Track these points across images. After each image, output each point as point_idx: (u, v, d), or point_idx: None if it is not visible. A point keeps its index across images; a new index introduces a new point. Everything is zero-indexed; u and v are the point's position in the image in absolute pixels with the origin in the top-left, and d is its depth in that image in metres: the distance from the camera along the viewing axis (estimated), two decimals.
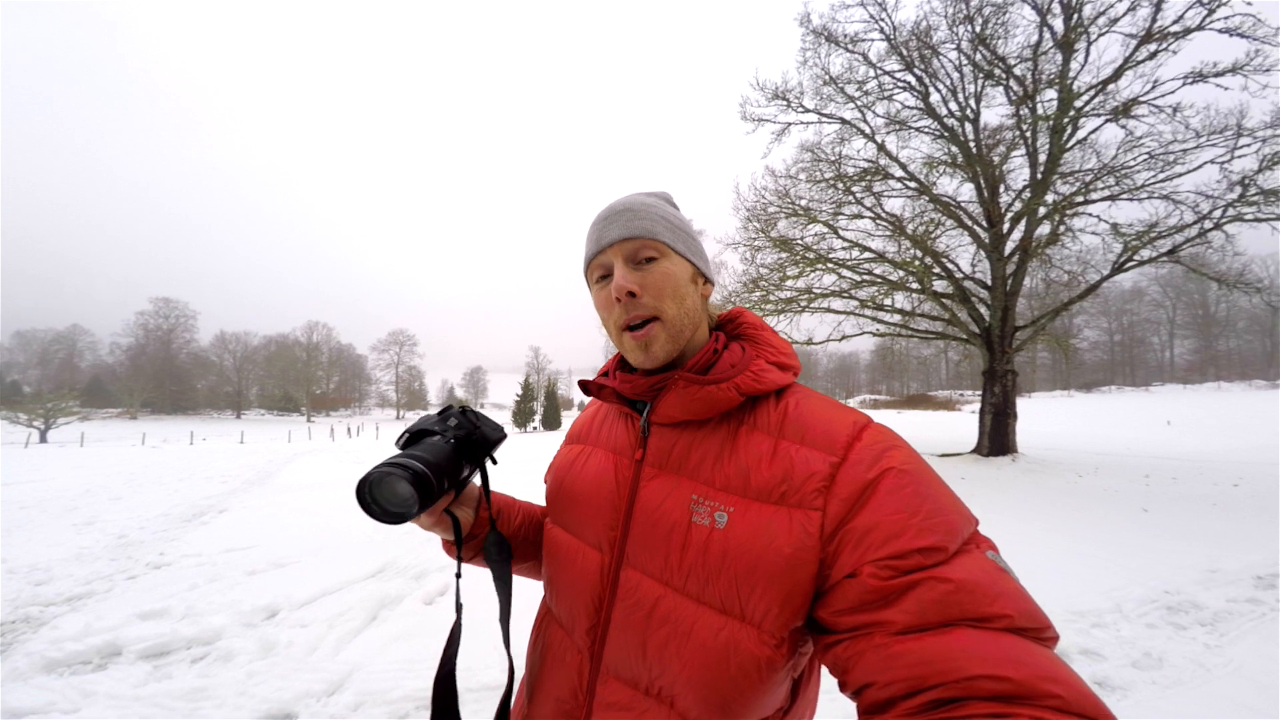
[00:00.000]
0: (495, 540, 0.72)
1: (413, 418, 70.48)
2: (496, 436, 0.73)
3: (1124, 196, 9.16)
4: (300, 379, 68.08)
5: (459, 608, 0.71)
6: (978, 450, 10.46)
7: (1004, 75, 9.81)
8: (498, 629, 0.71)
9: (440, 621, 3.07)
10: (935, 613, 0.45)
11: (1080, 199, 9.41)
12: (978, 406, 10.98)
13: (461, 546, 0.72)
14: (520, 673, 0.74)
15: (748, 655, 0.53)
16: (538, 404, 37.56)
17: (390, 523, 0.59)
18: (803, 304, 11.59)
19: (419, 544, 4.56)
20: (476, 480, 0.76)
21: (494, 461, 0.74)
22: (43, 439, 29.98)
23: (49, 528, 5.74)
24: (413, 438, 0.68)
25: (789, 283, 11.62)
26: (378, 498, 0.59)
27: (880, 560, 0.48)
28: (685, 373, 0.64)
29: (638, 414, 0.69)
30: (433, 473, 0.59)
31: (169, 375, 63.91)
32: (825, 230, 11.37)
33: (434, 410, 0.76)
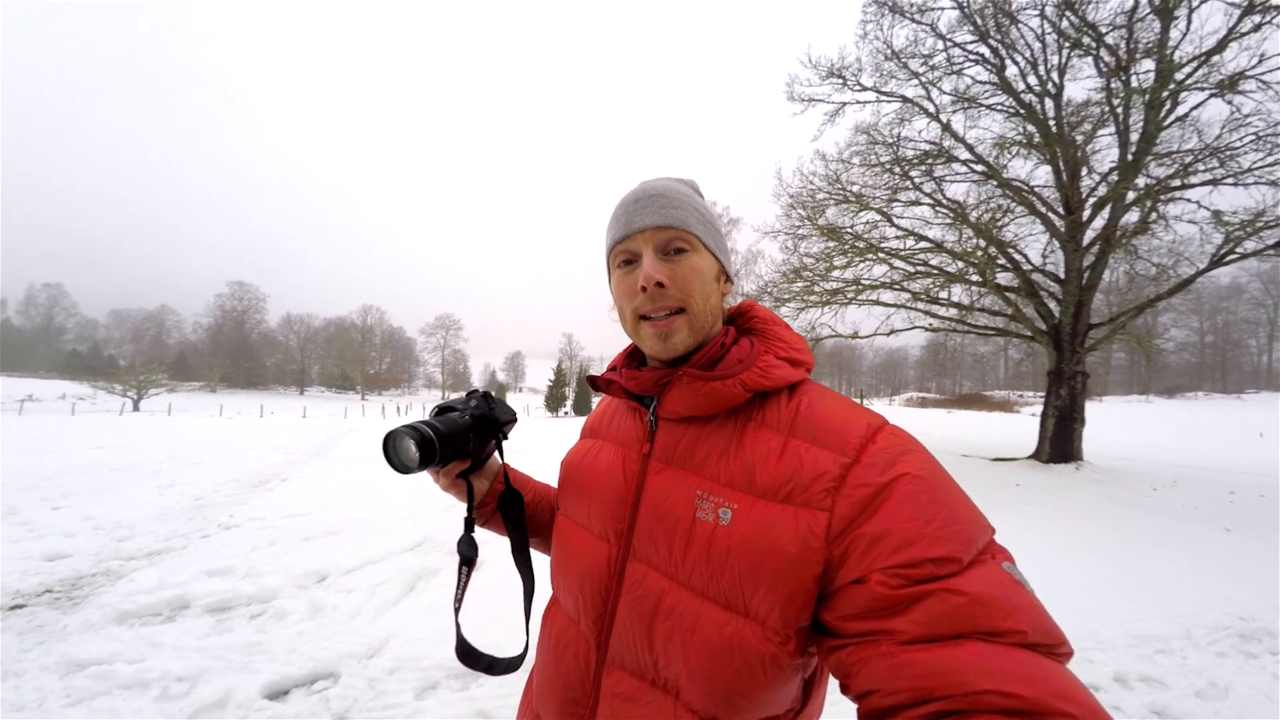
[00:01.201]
0: (506, 495, 0.81)
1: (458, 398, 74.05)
2: (506, 418, 0.82)
3: (1228, 181, 8.14)
4: (355, 359, 72.22)
5: (471, 548, 0.78)
6: (1037, 456, 9.78)
7: (1094, 44, 8.84)
8: (515, 613, 0.78)
9: (471, 597, 3.18)
10: (946, 625, 0.44)
11: (1178, 183, 8.44)
12: (1039, 409, 10.23)
13: (473, 509, 0.80)
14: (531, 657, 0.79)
15: (752, 651, 0.53)
16: (569, 389, 38.41)
17: (400, 471, 0.70)
18: (850, 296, 11.10)
19: (455, 521, 4.75)
20: (498, 458, 0.87)
21: (505, 437, 0.84)
22: (136, 408, 33.38)
23: (137, 488, 6.37)
24: (439, 411, 0.80)
25: (835, 273, 11.14)
26: (395, 449, 0.71)
27: (891, 568, 0.47)
28: (690, 369, 0.63)
29: (645, 408, 0.69)
30: (438, 439, 0.70)
31: (242, 353, 69.48)
32: (878, 218, 10.78)
33: (465, 393, 0.90)
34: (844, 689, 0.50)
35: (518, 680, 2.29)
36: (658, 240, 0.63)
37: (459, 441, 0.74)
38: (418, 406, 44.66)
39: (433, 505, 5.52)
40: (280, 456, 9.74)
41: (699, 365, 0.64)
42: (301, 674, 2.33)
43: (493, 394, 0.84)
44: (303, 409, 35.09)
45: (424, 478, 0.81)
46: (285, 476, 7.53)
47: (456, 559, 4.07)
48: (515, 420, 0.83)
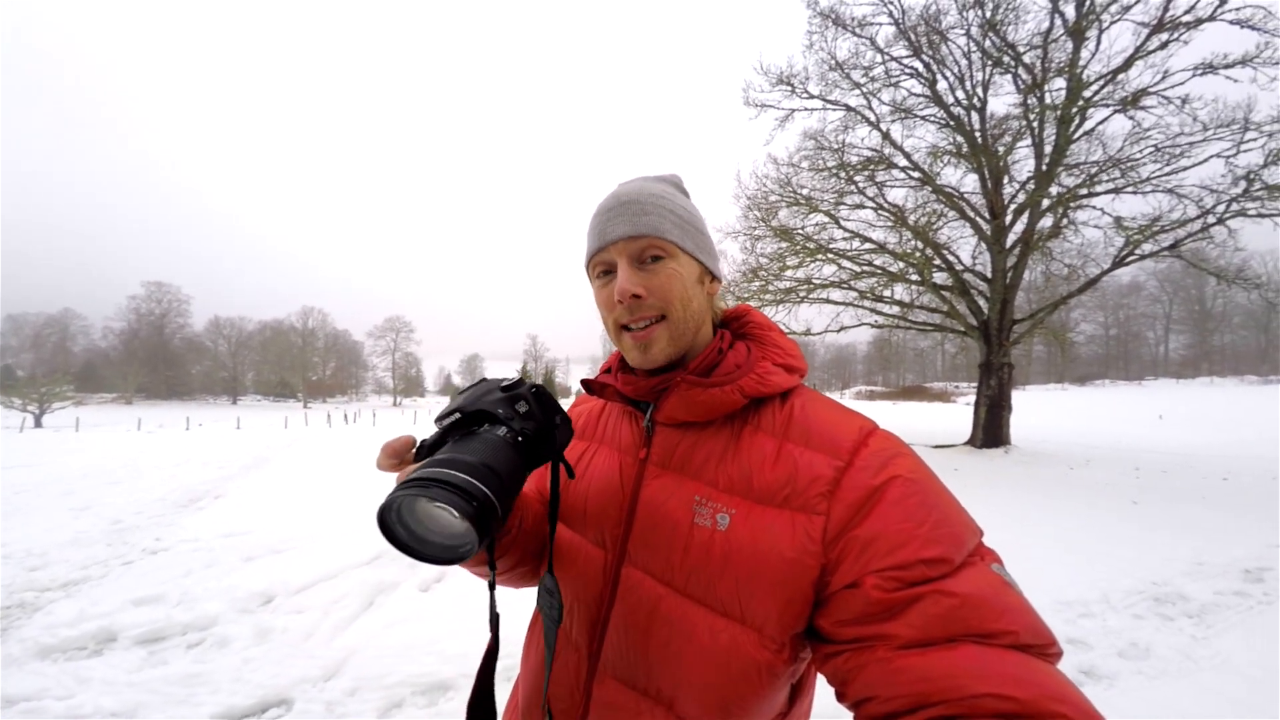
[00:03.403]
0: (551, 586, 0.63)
1: (410, 405, 68.21)
2: (566, 441, 0.58)
3: (1128, 189, 9.12)
4: (296, 365, 67.91)
5: (495, 621, 0.58)
6: (971, 442, 10.54)
7: (1013, 63, 9.67)
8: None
9: (436, 608, 3.09)
10: (940, 628, 0.44)
11: (1085, 191, 9.36)
12: (973, 399, 11.02)
13: (495, 566, 0.58)
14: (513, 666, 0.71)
15: (749, 659, 0.52)
16: None
17: (441, 562, 0.44)
18: (802, 294, 11.56)
19: None
20: None
21: (570, 473, 0.62)
22: (38, 423, 29.92)
23: (45, 512, 5.72)
24: (465, 420, 0.51)
25: (788, 273, 11.58)
26: (414, 527, 0.44)
27: (884, 570, 0.47)
28: (688, 375, 0.62)
29: (642, 412, 0.67)
30: (498, 497, 0.43)
31: (163, 360, 63.68)
32: (826, 220, 11.30)
33: (493, 378, 0.58)
34: (840, 696, 0.50)
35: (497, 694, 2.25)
36: (631, 250, 0.61)
37: (516, 489, 0.48)
38: (367, 413, 42.45)
39: None
40: (213, 471, 8.99)
41: (696, 371, 0.63)
42: (250, 703, 2.18)
43: (547, 392, 0.57)
44: (236, 419, 32.56)
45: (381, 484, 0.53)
46: (219, 493, 6.97)
47: (420, 571, 3.86)
48: (571, 437, 0.60)
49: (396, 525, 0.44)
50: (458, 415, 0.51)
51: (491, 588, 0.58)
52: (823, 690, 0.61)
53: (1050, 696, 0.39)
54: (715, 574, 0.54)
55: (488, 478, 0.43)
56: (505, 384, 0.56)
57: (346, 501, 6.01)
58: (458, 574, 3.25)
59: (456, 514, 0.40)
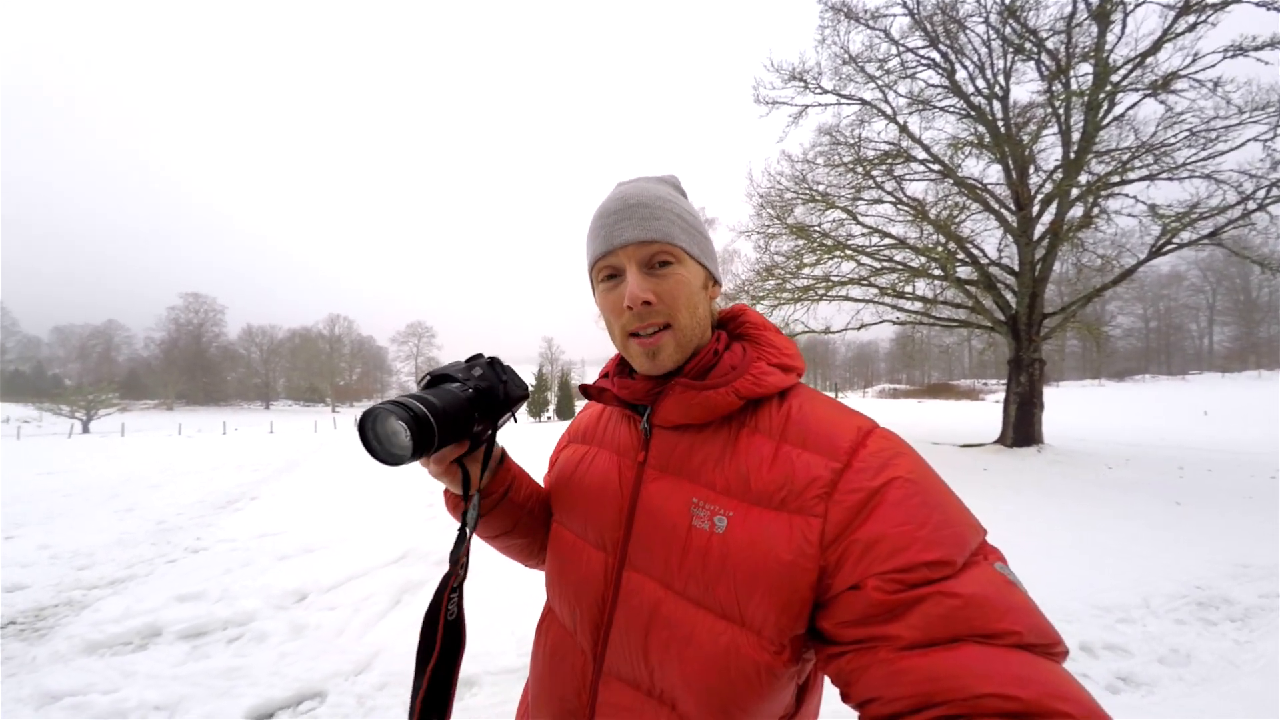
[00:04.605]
0: (476, 510, 0.68)
1: None
2: (519, 394, 0.70)
3: (1163, 176, 8.71)
4: (324, 371, 69.86)
5: (454, 560, 0.64)
6: (1001, 441, 10.22)
7: (1035, 49, 9.37)
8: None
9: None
10: (942, 628, 0.44)
11: (1116, 179, 8.98)
12: (1002, 396, 10.70)
13: (469, 510, 0.67)
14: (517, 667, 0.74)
15: (748, 660, 0.52)
16: (551, 394, 38.11)
17: (387, 463, 0.57)
18: (820, 292, 11.40)
19: (440, 530, 4.67)
20: (500, 441, 0.73)
21: (514, 419, 0.71)
22: (85, 430, 31.47)
23: (91, 514, 6.03)
24: (432, 381, 0.66)
25: (806, 270, 11.43)
26: (378, 435, 0.57)
27: (886, 573, 0.47)
28: (682, 378, 0.62)
29: (639, 415, 0.67)
30: (436, 419, 0.56)
31: (200, 368, 66.24)
32: (844, 216, 11.12)
33: (465, 358, 0.73)
34: (844, 697, 0.49)
35: (513, 690, 2.30)
36: (641, 255, 0.61)
37: (461, 422, 0.60)
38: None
39: (416, 515, 5.42)
40: (248, 474, 9.35)
41: (691, 374, 0.63)
42: (286, 696, 2.27)
43: (501, 361, 0.70)
44: (269, 424, 33.69)
45: (408, 467, 0.68)
46: (255, 495, 7.24)
47: (443, 570, 4.01)
48: (528, 396, 0.71)
49: (369, 429, 0.57)
50: (429, 377, 0.67)
51: (463, 526, 0.66)
52: (830, 691, 0.61)
53: (1054, 695, 0.39)
54: (714, 576, 0.54)
55: (429, 405, 0.57)
56: (470, 358, 0.71)
57: (373, 503, 6.18)
58: (480, 573, 3.31)
59: (401, 425, 0.54)
